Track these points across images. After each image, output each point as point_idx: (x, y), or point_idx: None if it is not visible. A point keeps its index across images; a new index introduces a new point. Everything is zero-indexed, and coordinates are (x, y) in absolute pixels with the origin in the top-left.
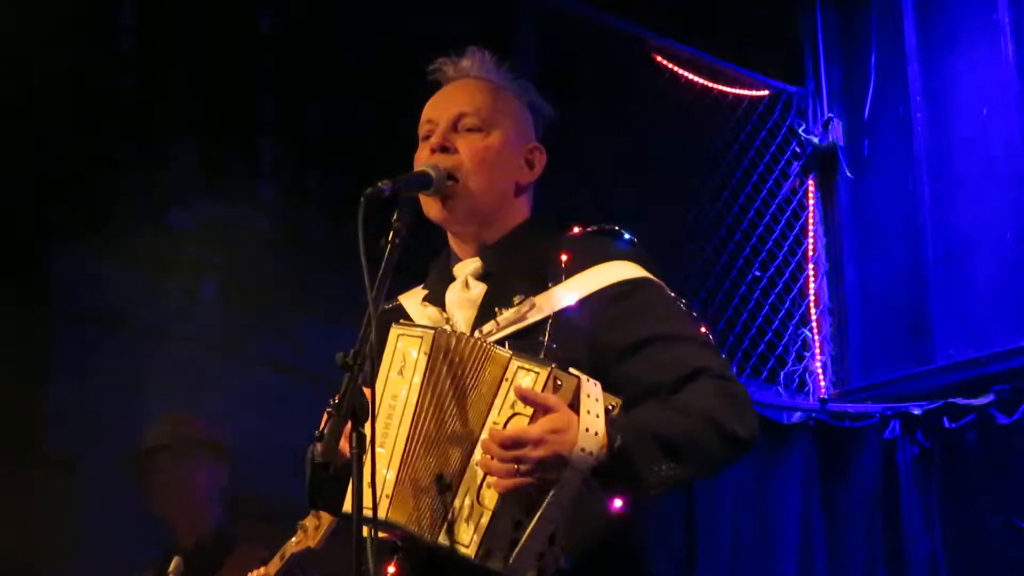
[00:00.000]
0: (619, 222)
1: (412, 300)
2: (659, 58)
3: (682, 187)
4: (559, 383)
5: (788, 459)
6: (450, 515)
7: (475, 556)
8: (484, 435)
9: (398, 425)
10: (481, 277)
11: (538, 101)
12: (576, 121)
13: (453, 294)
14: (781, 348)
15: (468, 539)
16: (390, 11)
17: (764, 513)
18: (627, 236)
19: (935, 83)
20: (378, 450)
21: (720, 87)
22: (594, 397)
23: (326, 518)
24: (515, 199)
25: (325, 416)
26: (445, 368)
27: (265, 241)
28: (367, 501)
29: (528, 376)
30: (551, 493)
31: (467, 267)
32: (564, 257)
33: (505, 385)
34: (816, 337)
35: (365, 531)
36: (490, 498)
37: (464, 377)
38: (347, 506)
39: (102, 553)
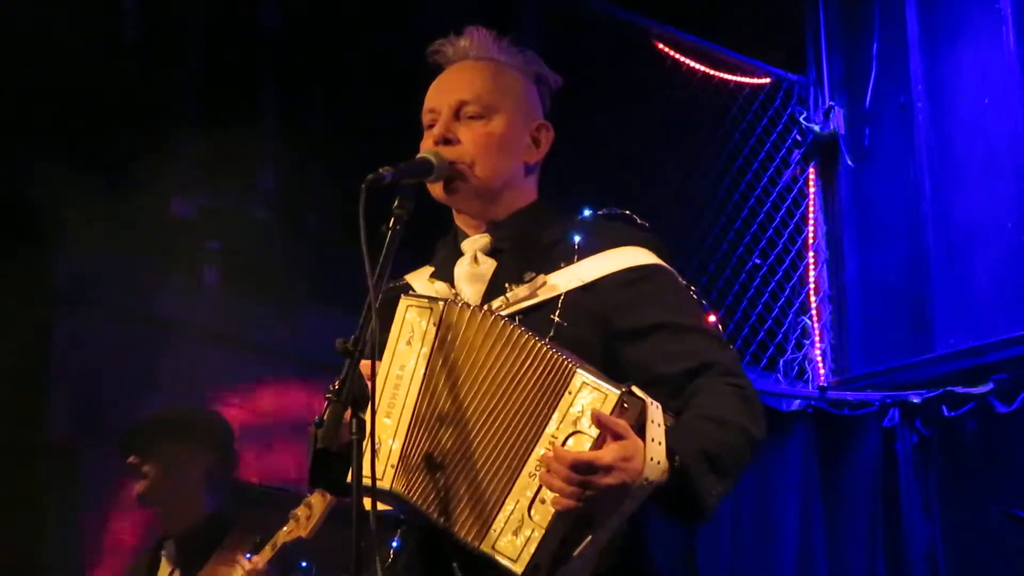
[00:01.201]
0: (617, 208)
1: (419, 278)
2: (661, 46)
3: (683, 174)
4: (626, 407)
5: (787, 447)
6: (496, 524)
7: (522, 572)
8: (541, 448)
9: (404, 396)
10: (490, 253)
11: (544, 71)
12: (578, 109)
13: (461, 268)
14: (781, 336)
15: (515, 553)
16: (391, 1)
17: (763, 501)
18: (640, 222)
19: (936, 73)
20: (383, 420)
21: (722, 75)
22: (657, 423)
23: (318, 508)
24: (523, 178)
25: (325, 402)
26: (457, 341)
27: (267, 229)
28: (369, 471)
29: (595, 395)
30: (608, 519)
31: (476, 243)
32: (577, 238)
33: (567, 398)
34: (816, 325)
35: (367, 504)
36: (543, 514)
37: (487, 356)
38: (350, 478)
39: (101, 540)
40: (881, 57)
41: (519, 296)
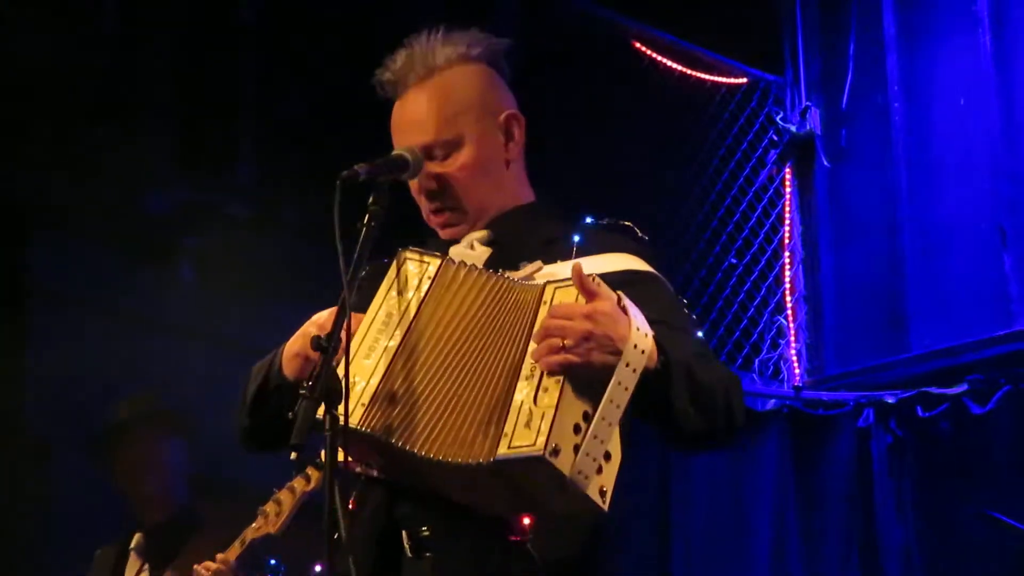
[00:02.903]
0: (596, 208)
1: None
2: (638, 45)
3: (659, 174)
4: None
5: (762, 446)
6: (507, 428)
7: (544, 451)
8: (530, 350)
9: (388, 339)
10: (487, 244)
11: (492, 43)
12: (554, 107)
13: (457, 250)
14: (756, 335)
15: (532, 439)
16: None
17: (738, 500)
18: (639, 234)
19: (913, 73)
20: (363, 361)
21: (698, 74)
22: (639, 314)
23: (287, 504)
24: (507, 174)
25: (298, 397)
26: (446, 292)
27: (242, 225)
28: (343, 410)
29: (570, 290)
30: (608, 387)
31: (473, 235)
32: (576, 239)
33: (544, 308)
34: (791, 325)
35: (341, 456)
36: (548, 398)
37: (483, 307)
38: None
39: (76, 532)
40: (858, 57)
41: (517, 276)
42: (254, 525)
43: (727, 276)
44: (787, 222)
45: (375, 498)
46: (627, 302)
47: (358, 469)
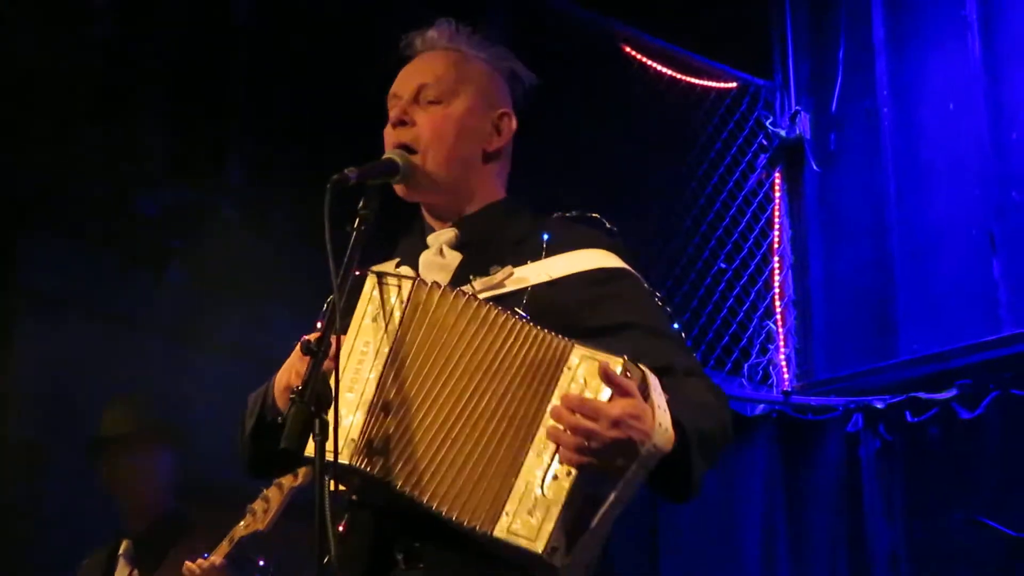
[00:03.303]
0: (586, 211)
1: (386, 269)
2: (628, 49)
3: (649, 178)
4: (629, 373)
5: (751, 451)
6: (508, 507)
7: (542, 551)
8: (545, 426)
9: (368, 371)
10: (456, 248)
11: (518, 68)
12: (544, 111)
13: (426, 258)
14: (745, 340)
15: (533, 533)
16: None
17: (727, 505)
18: (608, 226)
19: (902, 78)
20: (346, 395)
21: (688, 79)
22: (659, 391)
23: (274, 501)
24: (483, 166)
25: (288, 402)
26: (427, 320)
27: (231, 227)
28: (331, 445)
29: (596, 364)
30: (619, 487)
31: (441, 237)
32: (545, 237)
33: (567, 373)
34: (780, 330)
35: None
36: (556, 491)
37: (463, 336)
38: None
39: (65, 534)
40: (847, 62)
41: (485, 285)
42: (243, 523)
43: (716, 280)
44: (776, 226)
45: (364, 517)
46: (652, 387)
47: (353, 497)
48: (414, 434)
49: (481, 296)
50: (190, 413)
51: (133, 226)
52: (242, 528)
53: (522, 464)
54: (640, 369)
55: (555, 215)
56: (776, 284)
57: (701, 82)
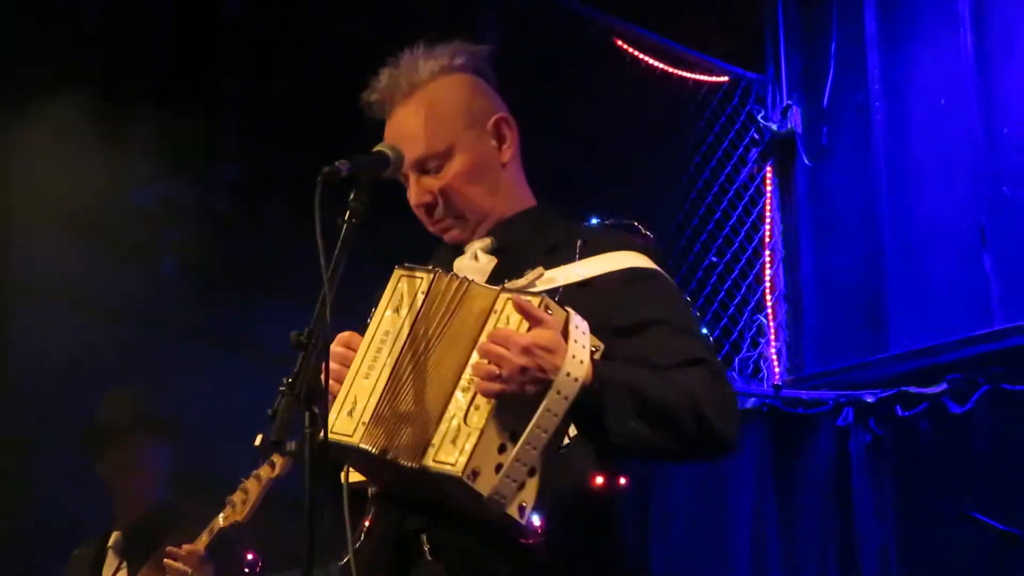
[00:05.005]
0: (578, 206)
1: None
2: (620, 43)
3: (641, 171)
4: (550, 312)
5: (741, 445)
6: (435, 439)
7: (462, 473)
8: (471, 361)
9: (386, 357)
10: (491, 252)
11: (475, 54)
12: (537, 105)
13: (461, 263)
14: (736, 334)
15: (454, 458)
16: None
17: (717, 498)
18: (645, 232)
19: (894, 73)
20: (362, 380)
21: (680, 72)
22: (582, 331)
23: (253, 492)
24: (504, 177)
25: (278, 395)
26: (436, 306)
27: (225, 221)
28: (342, 428)
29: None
30: (536, 414)
31: (476, 243)
32: (579, 242)
33: (493, 317)
34: (771, 324)
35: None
36: (478, 418)
37: (454, 314)
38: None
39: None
40: (839, 56)
41: (517, 286)
42: (222, 514)
43: (707, 274)
44: (768, 221)
45: (388, 510)
46: (574, 324)
47: (371, 490)
48: (405, 409)
49: None
50: (182, 407)
51: (126, 219)
52: (221, 520)
53: (450, 402)
54: (564, 311)
55: (593, 222)
56: (767, 278)
57: (693, 76)
